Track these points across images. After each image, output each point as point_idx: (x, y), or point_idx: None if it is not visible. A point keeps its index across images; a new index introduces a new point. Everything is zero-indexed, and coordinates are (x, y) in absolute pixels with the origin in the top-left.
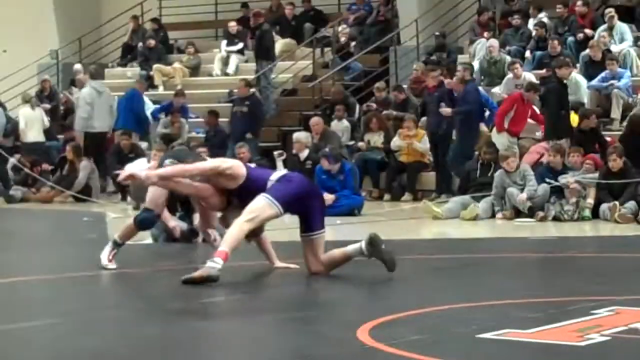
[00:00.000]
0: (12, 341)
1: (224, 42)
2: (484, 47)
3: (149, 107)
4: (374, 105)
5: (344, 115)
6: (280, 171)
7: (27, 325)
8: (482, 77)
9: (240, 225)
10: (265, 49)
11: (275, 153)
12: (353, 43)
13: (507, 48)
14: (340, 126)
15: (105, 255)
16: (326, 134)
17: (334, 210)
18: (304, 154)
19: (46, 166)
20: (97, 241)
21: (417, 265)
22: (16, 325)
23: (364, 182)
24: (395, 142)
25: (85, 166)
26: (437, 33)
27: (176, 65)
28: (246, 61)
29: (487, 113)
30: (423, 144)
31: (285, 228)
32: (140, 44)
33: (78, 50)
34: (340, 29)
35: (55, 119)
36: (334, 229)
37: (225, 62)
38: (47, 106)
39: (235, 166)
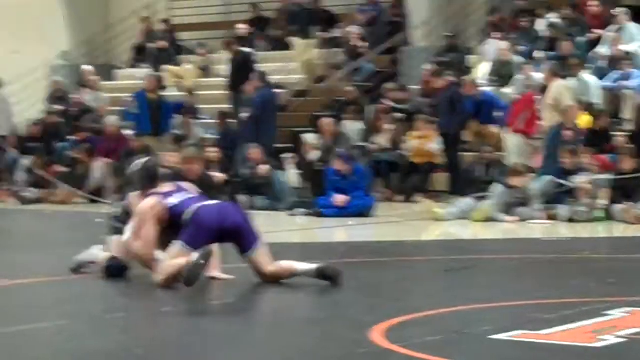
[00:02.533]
0: (25, 342)
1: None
2: (494, 47)
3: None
4: (386, 105)
5: (356, 117)
6: (193, 206)
7: (40, 327)
8: (494, 78)
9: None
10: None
11: (285, 156)
12: (364, 44)
13: (517, 49)
14: (353, 127)
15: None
16: (337, 135)
17: (346, 211)
18: (313, 155)
19: (59, 167)
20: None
21: (430, 266)
22: (29, 326)
23: (376, 183)
24: (407, 143)
25: (98, 167)
26: (447, 34)
27: (186, 66)
28: (257, 62)
29: (495, 114)
30: (435, 144)
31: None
32: (151, 45)
33: (88, 51)
34: (350, 29)
35: (66, 120)
36: (346, 230)
37: None
38: (60, 107)
39: (157, 209)
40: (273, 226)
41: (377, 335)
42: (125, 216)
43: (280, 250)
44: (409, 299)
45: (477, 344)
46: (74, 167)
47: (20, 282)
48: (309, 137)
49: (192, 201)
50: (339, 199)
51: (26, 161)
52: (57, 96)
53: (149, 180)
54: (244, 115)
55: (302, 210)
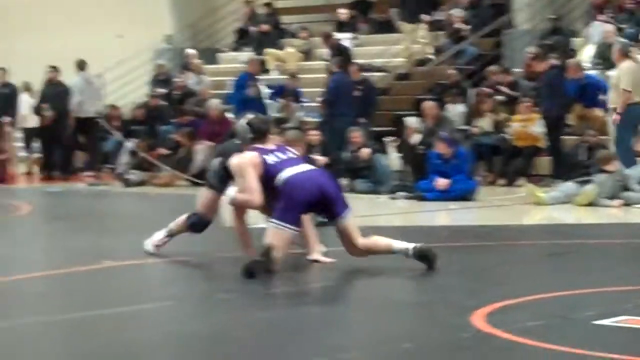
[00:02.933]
0: (131, 323)
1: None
2: (599, 30)
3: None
4: (486, 89)
5: (458, 100)
6: (286, 171)
7: (142, 308)
8: (598, 61)
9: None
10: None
11: (387, 139)
12: (467, 27)
13: (623, 31)
14: (455, 110)
15: (153, 241)
16: (440, 118)
17: (448, 195)
18: (415, 139)
19: (162, 150)
20: (211, 225)
21: (532, 250)
22: (131, 307)
23: (478, 166)
24: (510, 127)
25: (202, 150)
26: (551, 16)
27: (289, 49)
28: (359, 45)
29: (600, 97)
30: (538, 127)
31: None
32: (253, 28)
33: (192, 34)
34: (453, 12)
35: (170, 104)
36: (448, 213)
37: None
38: (163, 91)
39: (255, 160)
40: (374, 209)
41: (479, 319)
42: (221, 172)
43: (381, 234)
44: (511, 284)
45: (581, 329)
46: (177, 150)
47: (124, 264)
48: (411, 121)
49: (287, 163)
50: (441, 182)
51: (130, 144)
52: (161, 80)
53: (254, 133)
54: (320, 99)
55: (404, 193)
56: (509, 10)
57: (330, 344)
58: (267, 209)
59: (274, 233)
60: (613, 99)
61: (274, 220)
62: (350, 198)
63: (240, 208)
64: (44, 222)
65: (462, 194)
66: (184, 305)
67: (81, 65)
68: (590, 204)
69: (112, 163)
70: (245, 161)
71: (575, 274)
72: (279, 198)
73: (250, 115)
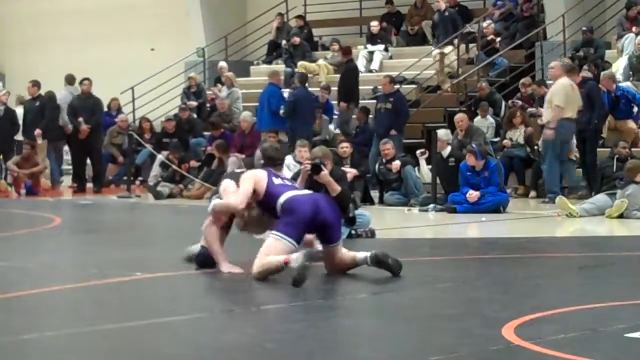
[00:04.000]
0: (159, 335)
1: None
2: (632, 42)
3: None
4: (519, 102)
5: (489, 112)
6: (288, 192)
7: (172, 320)
8: (631, 73)
9: (255, 264)
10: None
11: (418, 152)
12: (498, 39)
13: None
14: (485, 123)
15: (191, 251)
16: (471, 131)
17: (479, 207)
18: (446, 151)
19: (194, 163)
20: (241, 238)
21: (563, 263)
22: (161, 319)
23: (510, 179)
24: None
25: (233, 162)
26: (584, 28)
27: (320, 62)
28: (390, 57)
29: (635, 109)
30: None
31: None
32: (285, 41)
33: (224, 47)
34: (485, 24)
35: (201, 116)
36: (478, 225)
37: (370, 58)
38: (194, 103)
39: (257, 180)
40: (405, 222)
41: (510, 332)
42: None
43: (412, 246)
44: (542, 296)
45: (612, 342)
46: (208, 162)
47: (155, 276)
48: (443, 133)
49: (291, 188)
50: (472, 195)
51: (161, 156)
52: (193, 92)
53: (265, 159)
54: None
55: (435, 205)
56: (541, 22)
57: (359, 356)
58: (247, 222)
59: (271, 243)
60: (546, 114)
61: (275, 232)
62: (381, 210)
63: (217, 219)
64: (75, 234)
65: (493, 206)
66: (215, 318)
67: (70, 80)
68: (622, 216)
69: (143, 175)
70: (249, 174)
71: (606, 286)
72: (280, 215)
73: (265, 145)
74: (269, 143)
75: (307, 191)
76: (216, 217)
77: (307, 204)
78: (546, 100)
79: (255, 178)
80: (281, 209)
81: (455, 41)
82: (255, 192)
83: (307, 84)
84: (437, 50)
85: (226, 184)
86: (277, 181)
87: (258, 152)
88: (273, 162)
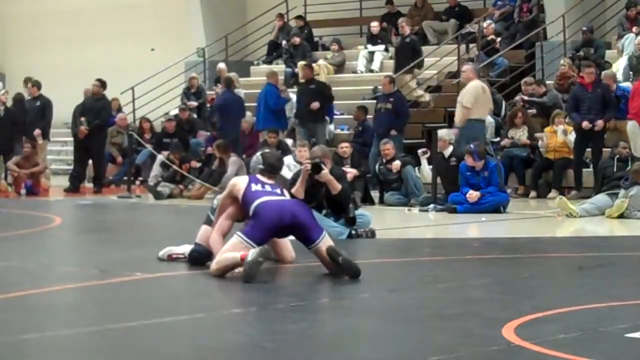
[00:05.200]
0: (160, 335)
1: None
2: (633, 42)
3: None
4: (521, 101)
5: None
6: (262, 198)
7: (173, 320)
8: (631, 73)
9: (214, 260)
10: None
11: (419, 151)
12: (498, 39)
13: None
14: (485, 122)
15: (170, 251)
16: None
17: (478, 207)
18: (448, 151)
19: (194, 163)
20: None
21: (563, 263)
22: (162, 319)
23: (510, 178)
24: (542, 139)
25: (234, 162)
26: (584, 28)
27: (321, 62)
28: (390, 58)
29: None
30: (571, 140)
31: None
32: (285, 41)
33: (224, 47)
34: (485, 24)
35: (201, 116)
36: (479, 226)
37: (370, 58)
38: (194, 103)
39: (235, 188)
40: (405, 222)
41: (510, 332)
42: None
43: (412, 246)
44: (542, 296)
45: (613, 342)
46: (208, 162)
47: (156, 276)
48: (444, 133)
49: (265, 193)
50: (472, 195)
51: (161, 157)
52: (193, 92)
53: (264, 165)
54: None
55: (435, 206)
56: (541, 22)
57: (359, 356)
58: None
59: (233, 242)
60: (456, 114)
61: (239, 233)
62: (381, 210)
63: (220, 228)
64: (75, 234)
65: (493, 207)
66: (215, 318)
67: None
68: (622, 216)
69: (143, 175)
70: (230, 185)
71: (606, 286)
72: (250, 219)
73: (267, 152)
74: (271, 151)
75: (282, 197)
76: (219, 225)
77: (273, 211)
78: (457, 101)
79: (234, 188)
80: (252, 214)
81: (416, 69)
82: (235, 198)
83: (233, 88)
84: (394, 75)
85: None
86: (255, 187)
87: (255, 157)
88: (272, 170)
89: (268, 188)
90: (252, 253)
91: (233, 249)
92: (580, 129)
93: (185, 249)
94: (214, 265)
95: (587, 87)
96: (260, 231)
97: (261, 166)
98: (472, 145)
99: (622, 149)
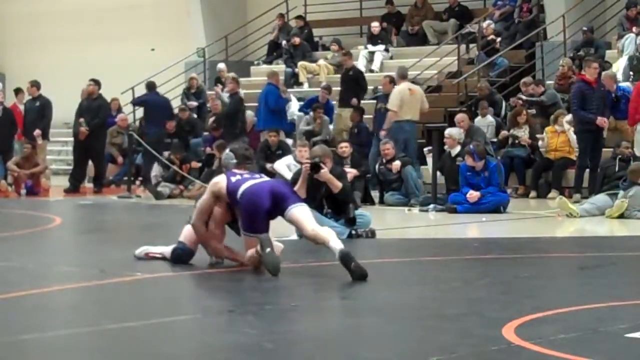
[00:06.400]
0: (160, 335)
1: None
2: (633, 42)
3: (293, 104)
4: (521, 101)
5: (489, 112)
6: (244, 184)
7: (173, 320)
8: (631, 73)
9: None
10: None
11: (426, 150)
12: (499, 39)
13: None
14: (484, 122)
15: (146, 250)
16: (471, 130)
17: (479, 207)
18: (456, 150)
19: (195, 164)
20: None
21: (563, 263)
22: (162, 319)
23: (510, 178)
24: (543, 139)
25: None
26: (584, 28)
27: (321, 62)
28: (391, 58)
29: None
30: (571, 140)
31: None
32: (285, 41)
33: (224, 48)
34: (485, 24)
35: (201, 116)
36: (479, 226)
37: (370, 59)
38: (195, 103)
39: (217, 187)
40: (405, 222)
41: (510, 332)
42: None
43: (412, 246)
44: (542, 296)
45: (613, 342)
46: (208, 162)
47: (156, 276)
48: (453, 131)
49: (245, 180)
50: (472, 195)
51: (161, 157)
52: (193, 92)
53: (238, 159)
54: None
55: (435, 206)
56: (541, 22)
57: (359, 356)
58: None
59: (249, 242)
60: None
61: (243, 231)
62: (381, 210)
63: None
64: (76, 234)
65: (494, 207)
66: (214, 318)
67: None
68: (622, 216)
69: (144, 175)
70: (209, 186)
71: (606, 286)
72: (242, 211)
73: (235, 145)
74: (238, 144)
75: (262, 179)
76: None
77: (255, 197)
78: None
79: (215, 187)
80: (241, 204)
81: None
82: (220, 197)
83: (156, 89)
84: (338, 110)
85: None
86: (234, 178)
87: (224, 154)
88: (245, 161)
89: (247, 176)
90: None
91: (250, 246)
92: (588, 128)
93: (162, 249)
94: (247, 262)
95: (592, 84)
96: (253, 221)
97: (234, 161)
98: (471, 146)
99: (624, 149)
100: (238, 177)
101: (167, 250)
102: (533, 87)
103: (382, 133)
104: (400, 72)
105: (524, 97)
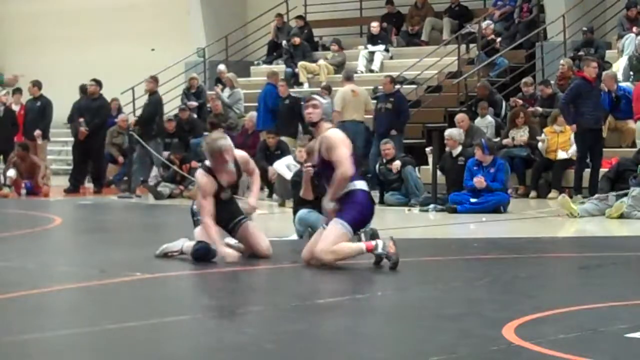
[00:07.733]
0: (159, 335)
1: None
2: (633, 42)
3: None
4: (521, 101)
5: (488, 112)
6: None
7: (172, 320)
8: (631, 73)
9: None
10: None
11: (428, 150)
12: (499, 39)
13: None
14: (484, 122)
15: (167, 248)
16: (471, 130)
17: (480, 207)
18: (457, 150)
19: (195, 163)
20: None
21: (563, 263)
22: (161, 319)
23: (510, 179)
24: (543, 140)
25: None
26: (584, 28)
27: (321, 62)
28: (391, 58)
29: None
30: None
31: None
32: (285, 41)
33: (224, 48)
34: (485, 24)
35: (202, 116)
36: (479, 226)
37: (370, 59)
38: (195, 103)
39: (207, 186)
40: (405, 222)
41: (510, 332)
42: None
43: (412, 246)
44: (543, 296)
45: (613, 342)
46: None
47: (155, 276)
48: (454, 132)
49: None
50: (479, 178)
51: (161, 157)
52: (193, 92)
53: (214, 152)
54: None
55: (435, 206)
56: (542, 22)
57: (359, 356)
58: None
59: (339, 231)
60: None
61: (342, 221)
62: (381, 210)
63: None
64: (75, 234)
65: (494, 206)
66: (214, 318)
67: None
68: (622, 217)
69: (144, 175)
70: (198, 184)
71: (607, 286)
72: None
73: (208, 138)
74: (211, 137)
75: None
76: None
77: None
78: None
79: (207, 187)
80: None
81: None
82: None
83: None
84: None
85: None
86: None
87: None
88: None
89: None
90: (379, 244)
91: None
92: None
93: (179, 244)
94: (329, 255)
95: (591, 83)
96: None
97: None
98: (482, 140)
99: (624, 150)
100: None
101: (182, 245)
102: (542, 89)
103: None
104: (346, 74)
105: (519, 101)
